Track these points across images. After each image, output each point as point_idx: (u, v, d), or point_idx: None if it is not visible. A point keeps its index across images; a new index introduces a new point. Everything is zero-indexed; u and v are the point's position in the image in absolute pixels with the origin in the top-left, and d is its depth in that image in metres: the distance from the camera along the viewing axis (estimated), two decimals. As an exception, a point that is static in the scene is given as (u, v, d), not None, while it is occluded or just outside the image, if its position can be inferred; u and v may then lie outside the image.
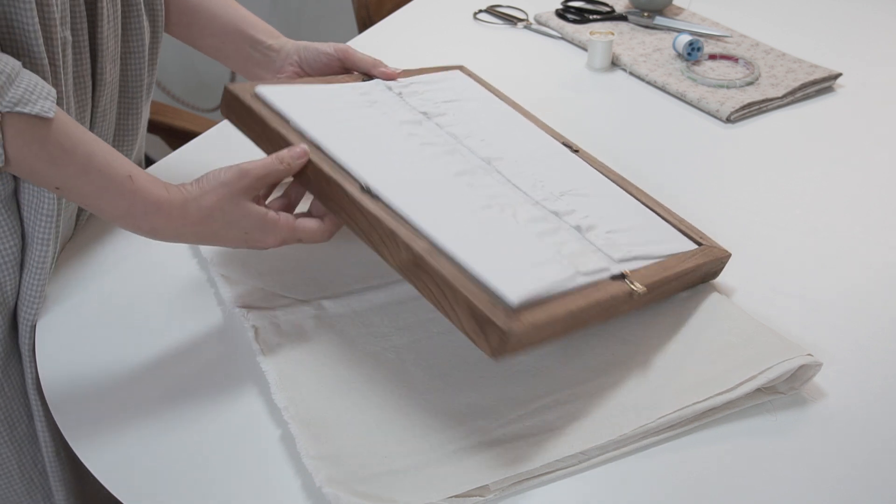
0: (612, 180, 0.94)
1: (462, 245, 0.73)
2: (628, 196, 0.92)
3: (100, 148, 0.74)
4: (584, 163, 0.96)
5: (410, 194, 0.78)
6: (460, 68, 1.10)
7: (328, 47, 0.97)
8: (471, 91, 1.05)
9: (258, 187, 0.78)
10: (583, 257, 0.77)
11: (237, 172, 0.77)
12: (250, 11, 1.03)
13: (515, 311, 0.67)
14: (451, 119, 0.94)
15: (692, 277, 0.83)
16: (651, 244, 0.83)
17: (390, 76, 0.97)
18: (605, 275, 0.75)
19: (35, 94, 0.70)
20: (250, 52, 0.99)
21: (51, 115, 0.70)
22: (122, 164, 0.74)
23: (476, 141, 0.91)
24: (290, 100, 0.87)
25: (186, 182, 0.77)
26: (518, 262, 0.74)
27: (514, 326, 0.66)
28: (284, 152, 0.79)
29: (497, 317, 0.66)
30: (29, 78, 0.70)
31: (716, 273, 0.86)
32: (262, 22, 1.01)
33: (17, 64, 0.70)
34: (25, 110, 0.68)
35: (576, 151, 0.95)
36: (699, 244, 0.88)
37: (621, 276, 0.76)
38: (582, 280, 0.73)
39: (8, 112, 0.68)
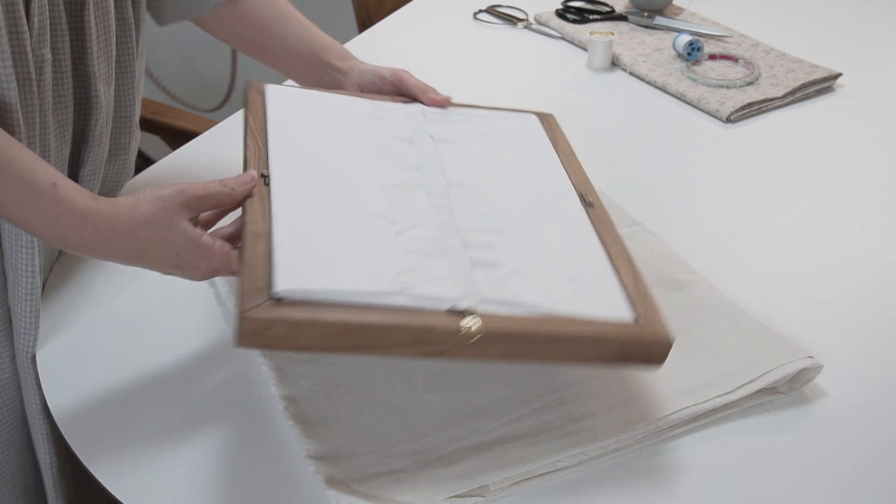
0: (597, 233, 0.81)
1: (286, 232, 0.70)
2: (596, 249, 0.79)
3: (22, 154, 0.68)
4: (576, 212, 0.84)
5: (298, 186, 0.77)
6: (542, 115, 1.01)
7: (385, 70, 0.98)
8: (519, 131, 0.96)
9: (198, 207, 0.73)
10: (432, 283, 0.69)
11: (176, 188, 0.72)
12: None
13: (277, 301, 0.63)
14: (456, 146, 0.90)
15: (595, 350, 0.69)
16: (559, 299, 0.71)
17: (436, 103, 0.95)
18: (442, 304, 0.67)
19: None
20: (321, 74, 1.01)
21: None
22: (47, 171, 0.69)
23: (459, 166, 0.86)
24: (286, 101, 0.88)
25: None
26: (331, 262, 0.68)
27: (255, 314, 0.62)
28: (231, 178, 0.75)
29: (248, 300, 0.63)
30: None
31: (649, 359, 0.70)
32: (336, 44, 1.03)
33: None
34: None
35: (590, 205, 0.85)
36: (640, 319, 0.72)
37: (464, 313, 0.67)
38: (401, 300, 0.66)
39: None
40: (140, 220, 0.70)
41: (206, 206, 0.74)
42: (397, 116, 0.93)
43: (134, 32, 0.89)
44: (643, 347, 0.69)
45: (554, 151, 0.93)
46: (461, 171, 0.85)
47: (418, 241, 0.74)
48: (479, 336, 0.65)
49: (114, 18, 0.85)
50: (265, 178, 0.77)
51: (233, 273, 0.74)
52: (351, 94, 0.96)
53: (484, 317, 0.67)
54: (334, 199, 0.76)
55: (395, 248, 0.72)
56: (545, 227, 0.80)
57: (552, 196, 0.85)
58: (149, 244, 0.71)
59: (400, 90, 0.97)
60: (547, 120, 1.00)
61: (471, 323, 0.65)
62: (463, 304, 0.67)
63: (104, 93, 0.85)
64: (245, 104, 0.88)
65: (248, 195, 0.74)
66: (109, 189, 0.98)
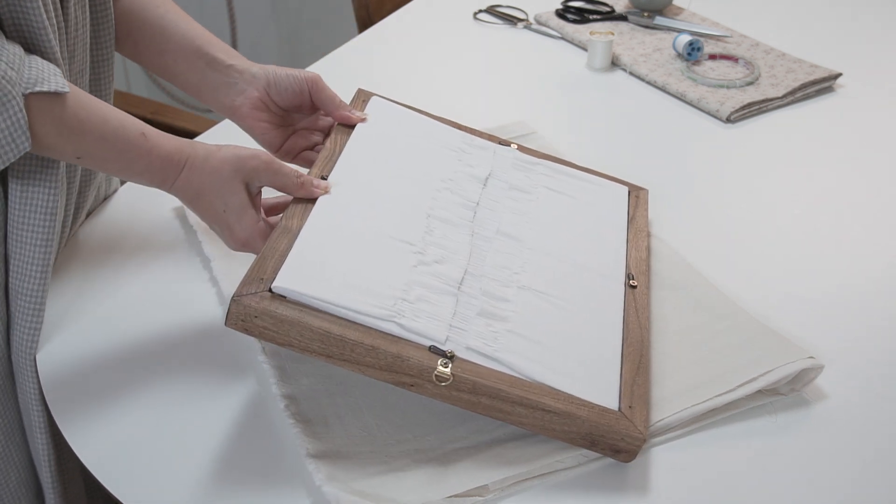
0: (624, 317, 0.81)
1: (312, 236, 0.74)
2: (613, 333, 0.79)
3: (111, 112, 0.76)
4: (614, 291, 0.83)
5: (347, 196, 0.80)
6: (635, 188, 0.99)
7: (299, 73, 0.90)
8: (599, 200, 0.95)
9: (265, 179, 0.79)
10: (424, 319, 0.71)
11: (254, 153, 0.79)
12: (212, 26, 0.96)
13: (271, 295, 0.68)
14: (527, 198, 0.90)
15: (562, 426, 0.69)
16: (544, 368, 0.72)
17: (346, 119, 0.90)
18: (425, 341, 0.69)
19: (46, 72, 0.71)
20: (206, 71, 0.91)
21: (66, 89, 0.71)
22: (134, 123, 0.77)
23: (518, 218, 0.87)
24: (381, 115, 0.93)
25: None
26: (337, 274, 0.71)
27: (246, 300, 0.67)
28: (308, 176, 0.80)
29: (245, 286, 0.68)
30: (35, 58, 0.72)
31: (617, 451, 0.70)
32: (221, 41, 0.93)
33: (21, 48, 0.71)
34: (44, 89, 0.70)
35: (632, 286, 0.85)
36: (621, 410, 0.71)
37: (444, 355, 0.69)
38: (387, 326, 0.69)
39: (29, 93, 0.69)
40: (210, 165, 0.78)
41: (273, 184, 0.79)
42: (483, 155, 0.94)
43: (112, 18, 0.88)
44: (612, 437, 0.70)
45: (625, 227, 0.92)
46: (517, 222, 0.87)
47: (435, 276, 0.76)
48: (449, 381, 0.68)
49: (88, 9, 0.85)
50: (324, 179, 0.82)
51: (258, 252, 0.77)
52: (448, 122, 0.98)
53: (461, 364, 0.69)
54: (374, 217, 0.80)
55: (409, 277, 0.74)
56: (572, 299, 0.80)
57: (598, 270, 0.85)
58: (206, 189, 0.78)
59: (314, 97, 0.91)
60: (637, 194, 0.98)
61: (446, 366, 0.68)
62: (445, 347, 0.70)
63: (79, 83, 0.85)
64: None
65: (304, 196, 0.79)
66: (100, 193, 0.98)
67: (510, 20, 1.51)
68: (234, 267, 0.88)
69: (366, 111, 0.93)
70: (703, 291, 0.88)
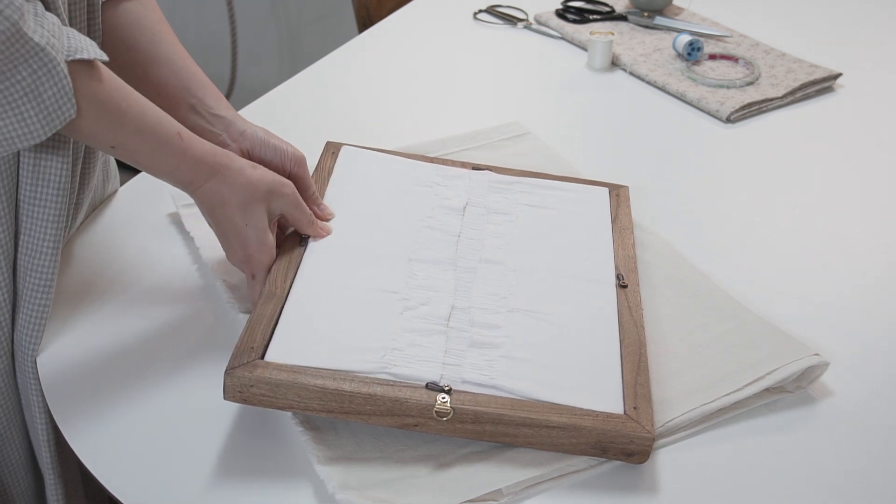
0: (619, 319, 0.81)
1: (298, 301, 0.76)
2: (609, 337, 0.79)
3: (149, 107, 0.76)
4: (605, 295, 0.83)
5: (327, 255, 0.82)
6: (615, 188, 0.98)
7: (286, 149, 0.86)
8: (581, 206, 0.95)
9: (286, 208, 0.81)
10: (416, 363, 0.72)
11: (285, 180, 0.81)
12: (197, 60, 0.90)
13: (262, 362, 0.70)
14: (507, 219, 0.91)
15: (570, 439, 0.70)
16: (544, 386, 0.72)
17: (319, 217, 0.87)
18: (419, 381, 0.70)
19: (84, 42, 0.70)
20: (189, 114, 0.87)
21: (105, 58, 0.71)
22: (171, 122, 0.77)
23: (500, 241, 0.88)
24: (353, 164, 0.95)
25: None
26: (326, 338, 0.73)
27: (239, 372, 0.69)
28: (319, 220, 0.85)
29: (237, 358, 0.70)
30: (72, 30, 0.71)
31: (629, 454, 0.70)
32: (214, 87, 0.90)
33: (58, 18, 0.71)
34: (83, 56, 0.69)
35: (623, 286, 0.84)
36: (626, 414, 0.71)
37: (441, 390, 0.70)
38: (381, 375, 0.71)
39: (71, 60, 0.69)
40: (244, 179, 0.79)
41: (291, 215, 0.82)
42: (458, 185, 0.95)
43: (101, 29, 0.86)
44: (621, 441, 0.70)
45: (610, 228, 0.92)
46: (500, 246, 0.88)
47: (422, 318, 0.77)
48: (450, 414, 0.69)
49: (87, 12, 0.84)
50: (302, 239, 0.84)
51: (252, 276, 0.81)
52: (420, 157, 0.98)
53: (459, 396, 0.70)
54: (356, 272, 0.81)
55: (397, 325, 0.76)
56: (564, 311, 0.81)
57: (587, 277, 0.85)
58: (233, 202, 0.79)
59: (292, 178, 0.86)
60: (618, 192, 0.98)
61: (444, 401, 0.69)
62: (441, 382, 0.71)
63: None
64: (316, 165, 0.94)
65: (311, 235, 0.84)
66: (97, 196, 0.98)
67: (510, 20, 1.51)
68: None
69: (337, 162, 0.95)
70: (707, 291, 0.88)
